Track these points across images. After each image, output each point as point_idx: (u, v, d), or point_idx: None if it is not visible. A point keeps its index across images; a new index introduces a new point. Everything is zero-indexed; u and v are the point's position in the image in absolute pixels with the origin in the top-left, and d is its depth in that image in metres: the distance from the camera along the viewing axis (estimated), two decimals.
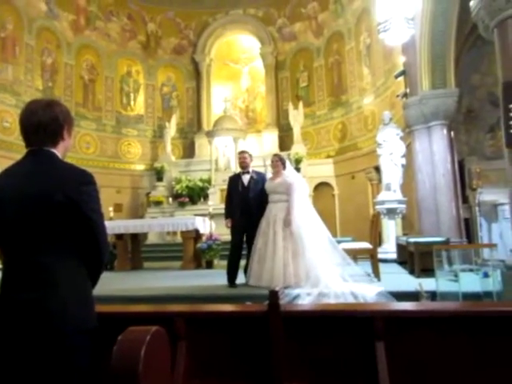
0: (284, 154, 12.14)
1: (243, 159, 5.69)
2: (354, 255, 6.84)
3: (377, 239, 5.96)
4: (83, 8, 13.50)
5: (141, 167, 14.56)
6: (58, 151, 1.68)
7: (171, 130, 14.28)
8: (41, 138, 1.65)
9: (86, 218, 1.60)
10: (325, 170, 12.98)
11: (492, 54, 4.33)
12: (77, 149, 12.92)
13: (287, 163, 5.44)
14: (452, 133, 7.49)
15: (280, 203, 5.07)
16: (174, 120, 14.55)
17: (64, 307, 1.51)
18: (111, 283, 6.13)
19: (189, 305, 2.75)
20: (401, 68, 8.47)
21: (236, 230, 5.31)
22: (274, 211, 5.07)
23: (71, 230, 1.58)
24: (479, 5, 4.13)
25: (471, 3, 4.34)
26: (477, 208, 7.24)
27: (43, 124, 1.64)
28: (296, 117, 13.38)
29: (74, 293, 1.57)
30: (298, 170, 12.01)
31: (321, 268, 4.62)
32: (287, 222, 4.89)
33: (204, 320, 2.18)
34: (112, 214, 9.56)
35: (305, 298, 3.98)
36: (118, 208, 12.48)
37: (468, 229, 7.68)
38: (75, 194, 1.57)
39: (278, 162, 5.30)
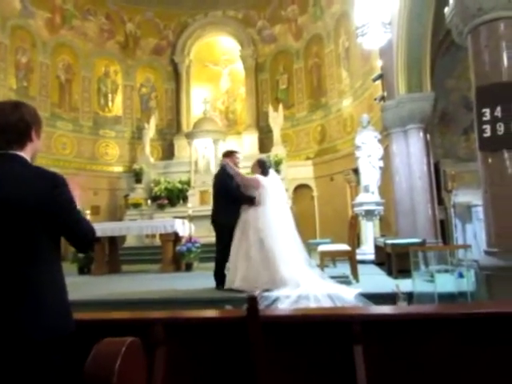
0: (264, 156, 12.25)
1: (239, 159, 5.66)
2: (333, 257, 6.92)
3: (355, 241, 6.03)
4: (59, 6, 13.24)
5: (119, 169, 14.36)
6: (25, 154, 1.63)
7: (150, 131, 14.14)
8: (7, 141, 1.60)
9: (61, 222, 1.58)
10: (304, 171, 13.07)
11: (466, 59, 4.44)
12: (52, 150, 12.67)
13: (272, 173, 5.40)
14: (428, 135, 7.64)
15: (250, 207, 5.08)
16: (153, 121, 14.42)
17: (37, 315, 1.48)
18: (88, 287, 6.03)
19: (167, 311, 2.72)
20: (378, 71, 8.60)
21: (227, 229, 5.23)
22: (245, 215, 5.09)
23: (45, 233, 1.55)
24: (453, 11, 4.23)
25: (446, 10, 4.43)
26: (452, 209, 7.40)
27: (10, 126, 1.60)
28: (276, 119, 13.44)
29: (49, 300, 1.53)
30: (277, 171, 12.05)
31: (298, 270, 4.65)
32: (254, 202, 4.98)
33: (182, 326, 2.16)
34: (89, 217, 9.39)
35: (284, 300, 4.00)
36: (95, 210, 12.29)
37: (443, 230, 7.84)
38: (47, 198, 1.53)
39: (256, 166, 5.32)
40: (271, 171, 5.41)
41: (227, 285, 5.05)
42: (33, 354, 1.45)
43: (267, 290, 4.45)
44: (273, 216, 4.97)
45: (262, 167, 5.28)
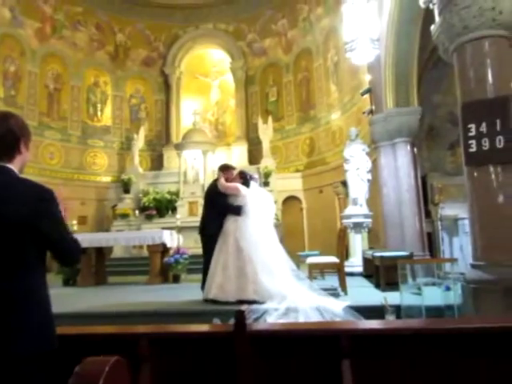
0: (253, 168, 12.29)
1: (233, 176, 5.66)
2: (322, 269, 6.92)
3: (344, 253, 6.04)
4: (49, 16, 13.23)
5: (107, 179, 14.26)
6: (14, 166, 1.61)
7: (139, 141, 14.11)
8: None
9: (46, 237, 1.56)
10: (293, 183, 13.13)
11: (452, 75, 4.52)
12: (39, 159, 12.54)
13: (253, 182, 5.46)
14: (415, 149, 7.74)
15: (232, 217, 5.11)
16: (143, 132, 14.39)
17: (21, 331, 1.46)
18: (73, 300, 5.94)
19: (153, 325, 2.69)
20: (367, 86, 8.72)
21: (214, 240, 5.22)
22: (226, 225, 5.10)
23: (31, 247, 1.53)
24: (439, 29, 4.32)
25: (432, 27, 4.53)
26: (439, 222, 7.47)
27: None
28: (265, 131, 13.51)
29: (32, 316, 1.50)
30: (266, 183, 12.09)
31: (284, 282, 4.64)
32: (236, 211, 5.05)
33: (169, 341, 2.14)
34: (76, 227, 9.29)
35: (272, 313, 3.98)
36: (82, 221, 12.15)
37: (431, 242, 7.91)
38: (33, 211, 1.52)
39: (237, 177, 5.39)
40: (253, 183, 5.47)
41: (204, 295, 5.05)
42: (15, 370, 1.43)
43: (255, 303, 4.43)
44: (253, 226, 4.99)
45: (243, 178, 5.37)
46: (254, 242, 4.90)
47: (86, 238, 7.71)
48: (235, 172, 5.60)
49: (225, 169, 5.65)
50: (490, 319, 2.36)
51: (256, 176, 7.33)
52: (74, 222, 9.52)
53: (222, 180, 5.40)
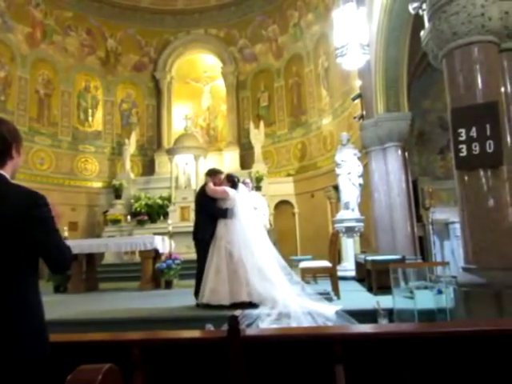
0: (245, 173, 12.29)
1: (221, 180, 5.70)
2: (314, 274, 6.92)
3: (336, 258, 6.05)
4: (39, 21, 13.17)
5: (98, 184, 14.17)
6: (6, 172, 1.61)
7: (130, 147, 14.06)
8: None
9: (38, 243, 1.55)
10: (285, 188, 13.14)
11: (441, 80, 4.57)
12: (30, 165, 12.42)
13: (243, 186, 5.49)
14: (406, 154, 7.80)
15: (223, 221, 5.12)
16: (134, 137, 14.35)
17: (16, 338, 1.46)
18: (64, 306, 5.87)
19: (145, 332, 2.67)
20: (357, 91, 8.78)
21: (207, 245, 5.22)
22: (217, 229, 5.12)
23: (24, 254, 1.52)
24: (428, 35, 4.38)
25: (421, 34, 4.59)
26: (430, 226, 7.52)
27: None
28: (257, 136, 13.54)
29: (26, 324, 1.50)
30: (258, 188, 12.08)
31: (276, 287, 4.64)
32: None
33: (161, 348, 2.12)
34: (66, 233, 9.19)
35: (265, 318, 3.97)
36: (73, 227, 12.04)
37: (422, 246, 7.96)
38: (26, 218, 1.51)
39: (224, 181, 5.41)
40: (241, 186, 5.51)
41: (198, 300, 5.04)
42: (12, 376, 1.42)
43: (249, 306, 4.42)
44: (243, 229, 5.00)
45: (231, 181, 5.39)
46: (244, 245, 4.90)
47: (77, 244, 7.63)
48: (223, 176, 5.62)
49: (212, 173, 5.67)
50: (482, 323, 2.38)
51: (248, 181, 7.35)
52: (65, 228, 9.43)
53: (210, 184, 5.41)
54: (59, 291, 8.07)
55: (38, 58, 13.27)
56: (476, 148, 3.79)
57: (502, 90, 4.00)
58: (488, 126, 3.75)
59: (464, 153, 3.86)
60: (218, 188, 5.35)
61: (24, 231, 1.50)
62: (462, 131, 3.87)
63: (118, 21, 14.58)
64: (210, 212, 5.27)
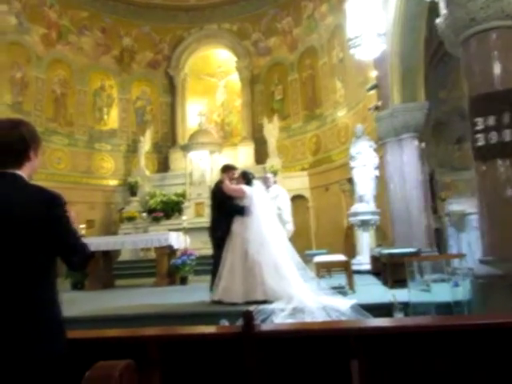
0: (259, 168, 12.26)
1: (235, 175, 5.71)
2: (329, 268, 6.87)
3: (351, 251, 6.00)
4: (55, 22, 13.30)
5: (114, 182, 14.31)
6: (24, 172, 1.64)
7: (145, 144, 14.14)
8: (5, 160, 1.61)
9: (57, 241, 1.58)
10: (300, 182, 13.05)
11: (459, 68, 4.47)
12: (47, 164, 12.59)
13: (257, 184, 5.48)
14: (423, 144, 7.66)
15: (239, 218, 5.11)
16: (149, 134, 14.42)
17: (31, 337, 1.47)
18: (82, 303, 5.95)
19: (161, 327, 2.68)
20: (373, 81, 8.65)
21: (222, 242, 5.22)
22: (233, 227, 5.11)
23: (43, 252, 1.55)
24: (445, 22, 4.27)
25: (437, 21, 4.48)
26: (446, 218, 7.39)
27: (8, 145, 1.61)
28: (271, 130, 13.47)
29: (47, 322, 1.53)
30: (274, 182, 12.01)
31: (291, 283, 4.62)
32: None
33: (177, 343, 2.13)
34: (84, 231, 9.31)
35: (279, 314, 3.95)
36: (90, 224, 12.18)
37: (439, 238, 7.83)
38: (44, 217, 1.54)
39: (240, 178, 5.43)
40: (257, 183, 5.49)
41: (213, 296, 5.05)
42: (33, 373, 1.44)
43: (263, 303, 4.41)
44: (259, 226, 4.98)
45: (246, 178, 5.40)
46: (260, 243, 4.88)
47: (94, 242, 7.74)
48: (237, 172, 5.62)
49: (226, 169, 5.70)
50: (501, 316, 2.31)
51: (270, 175, 7.36)
52: (82, 226, 9.55)
53: (227, 182, 5.41)
54: (77, 288, 8.20)
55: (53, 59, 13.42)
56: (494, 137, 3.69)
57: None
58: (506, 113, 3.64)
59: (482, 142, 3.77)
60: (235, 187, 5.36)
61: (42, 230, 1.53)
62: (480, 120, 3.77)
63: (132, 19, 14.64)
64: (226, 209, 5.27)
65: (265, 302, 4.54)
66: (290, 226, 6.92)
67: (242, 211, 5.13)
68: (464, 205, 7.81)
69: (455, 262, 5.45)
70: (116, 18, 14.46)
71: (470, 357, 1.88)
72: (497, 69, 3.83)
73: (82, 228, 9.06)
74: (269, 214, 5.27)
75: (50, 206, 1.57)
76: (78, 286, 8.22)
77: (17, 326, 1.46)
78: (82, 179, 13.52)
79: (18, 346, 1.44)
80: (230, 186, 5.36)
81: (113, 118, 14.75)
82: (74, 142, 13.74)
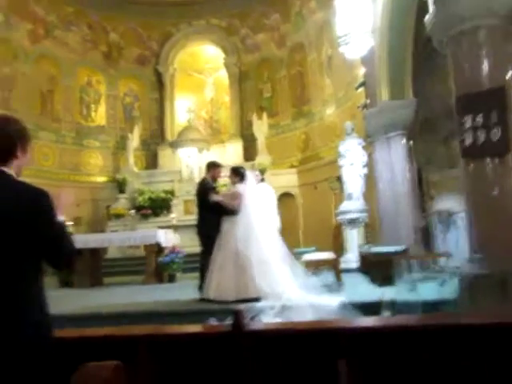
0: (248, 165, 12.21)
1: (220, 173, 5.72)
2: (318, 266, 6.87)
3: (339, 249, 6.01)
4: (41, 18, 13.08)
5: (102, 179, 14.16)
6: (10, 170, 1.64)
7: (134, 141, 14.01)
8: None
9: (42, 239, 1.57)
10: (288, 179, 13.04)
11: (446, 66, 4.48)
12: (34, 161, 12.39)
13: (250, 176, 5.40)
14: (410, 142, 7.70)
15: (232, 216, 5.05)
16: (137, 131, 14.30)
17: (16, 332, 1.46)
18: (69, 301, 5.89)
19: (149, 326, 2.66)
20: (361, 79, 8.66)
21: (210, 240, 5.17)
22: (224, 225, 5.06)
23: (29, 249, 1.54)
24: (433, 20, 4.28)
25: (426, 19, 4.49)
26: (434, 216, 7.43)
27: None
28: (260, 127, 13.46)
29: (27, 316, 1.51)
30: (262, 180, 11.99)
31: (280, 281, 4.61)
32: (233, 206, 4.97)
33: (166, 343, 2.11)
34: (71, 229, 9.22)
35: (268, 311, 3.94)
36: (77, 221, 12.04)
37: (426, 236, 7.87)
38: (29, 214, 1.53)
39: (232, 176, 5.34)
40: (250, 176, 5.41)
41: (204, 295, 5.01)
42: (10, 369, 1.42)
43: (255, 300, 4.40)
44: (250, 224, 4.94)
45: (239, 174, 5.30)
46: (250, 240, 4.85)
47: (81, 240, 7.66)
48: (222, 169, 5.57)
49: (212, 166, 5.66)
50: (487, 315, 2.33)
51: (257, 173, 7.30)
52: (70, 223, 9.44)
53: (227, 198, 5.22)
54: (64, 286, 8.11)
55: (40, 55, 13.21)
56: (482, 136, 3.71)
57: (509, 74, 3.92)
58: (494, 112, 3.66)
59: (470, 140, 3.79)
60: (231, 193, 5.26)
61: (28, 227, 1.53)
62: (468, 119, 3.79)
63: (119, 14, 14.45)
64: (214, 208, 5.19)
65: (257, 299, 4.53)
66: (277, 224, 6.89)
67: (231, 212, 5.06)
68: (452, 203, 7.86)
69: (442, 261, 5.50)
70: (103, 14, 14.27)
71: (460, 355, 1.89)
72: (485, 67, 3.85)
73: (69, 225, 8.98)
74: (259, 208, 5.22)
75: (37, 201, 1.57)
76: (65, 283, 8.13)
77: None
78: (69, 176, 13.36)
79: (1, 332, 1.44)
80: (233, 202, 5.14)
81: (101, 115, 14.59)
82: (62, 139, 13.56)
